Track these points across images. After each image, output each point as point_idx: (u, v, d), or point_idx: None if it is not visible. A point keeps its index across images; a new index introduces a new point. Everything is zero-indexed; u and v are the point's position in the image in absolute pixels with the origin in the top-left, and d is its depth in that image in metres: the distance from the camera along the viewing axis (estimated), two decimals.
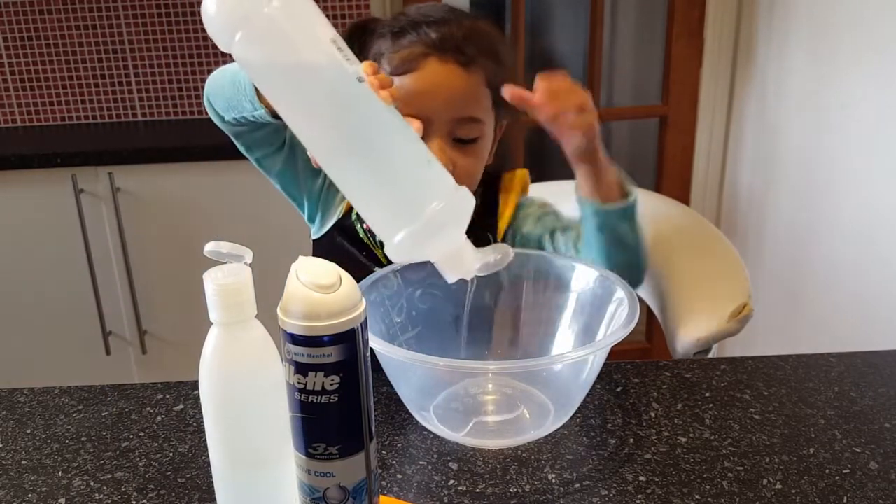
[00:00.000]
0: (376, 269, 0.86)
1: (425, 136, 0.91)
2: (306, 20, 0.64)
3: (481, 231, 1.00)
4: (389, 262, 0.94)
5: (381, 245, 0.96)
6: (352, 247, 0.98)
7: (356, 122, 0.65)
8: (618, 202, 0.88)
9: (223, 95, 0.88)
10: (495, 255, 0.74)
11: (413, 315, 0.86)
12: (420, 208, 0.65)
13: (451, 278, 0.71)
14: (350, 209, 0.99)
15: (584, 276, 0.85)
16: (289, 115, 0.67)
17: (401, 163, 0.67)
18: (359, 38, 0.98)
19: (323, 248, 1.01)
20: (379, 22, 0.98)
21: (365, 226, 0.98)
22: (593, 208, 0.88)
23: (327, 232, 1.00)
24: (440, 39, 0.89)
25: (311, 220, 1.03)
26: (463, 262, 0.69)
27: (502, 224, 1.01)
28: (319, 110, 0.66)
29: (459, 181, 0.95)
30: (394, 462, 0.72)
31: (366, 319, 0.53)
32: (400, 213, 0.67)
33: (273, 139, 0.96)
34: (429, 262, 0.86)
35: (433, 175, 0.68)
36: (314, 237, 1.03)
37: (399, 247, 0.67)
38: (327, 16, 0.65)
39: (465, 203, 0.68)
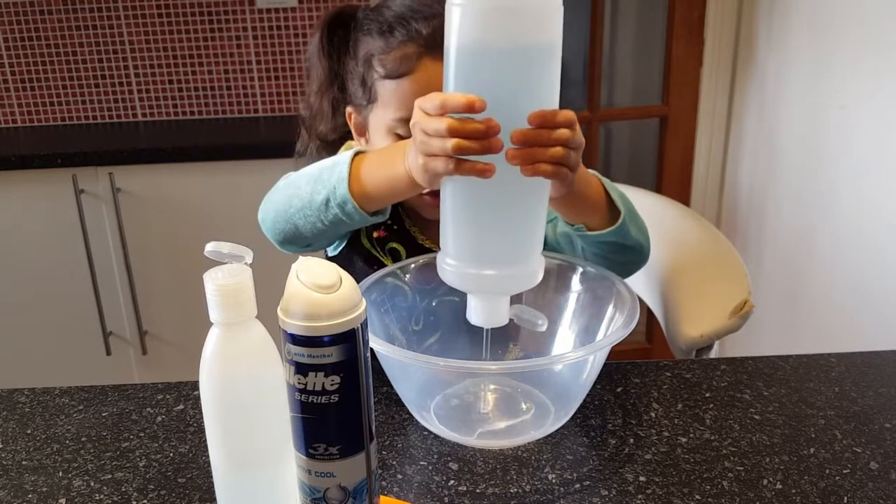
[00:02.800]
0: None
1: None
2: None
3: None
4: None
5: (389, 255, 0.96)
6: (363, 261, 0.97)
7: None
8: (605, 228, 0.81)
9: (299, 216, 0.82)
10: (531, 318, 0.77)
11: (431, 320, 0.87)
12: (501, 260, 0.69)
13: (474, 319, 0.73)
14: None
15: (584, 277, 0.85)
16: (465, 88, 0.64)
17: (524, 207, 0.69)
18: (341, 34, 0.95)
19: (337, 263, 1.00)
20: (358, 12, 0.94)
21: (375, 234, 0.97)
22: (579, 234, 0.83)
23: (341, 249, 0.99)
24: (432, 36, 0.85)
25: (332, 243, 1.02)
26: (496, 314, 0.72)
27: None
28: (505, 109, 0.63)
29: None
30: (394, 462, 0.72)
31: (366, 320, 0.53)
32: (485, 253, 0.69)
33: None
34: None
35: (535, 237, 0.70)
36: (330, 255, 1.01)
37: (459, 276, 0.70)
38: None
39: (535, 277, 0.71)
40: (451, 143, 0.63)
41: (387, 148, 0.76)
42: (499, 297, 0.72)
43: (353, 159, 0.77)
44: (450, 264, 0.70)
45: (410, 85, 0.86)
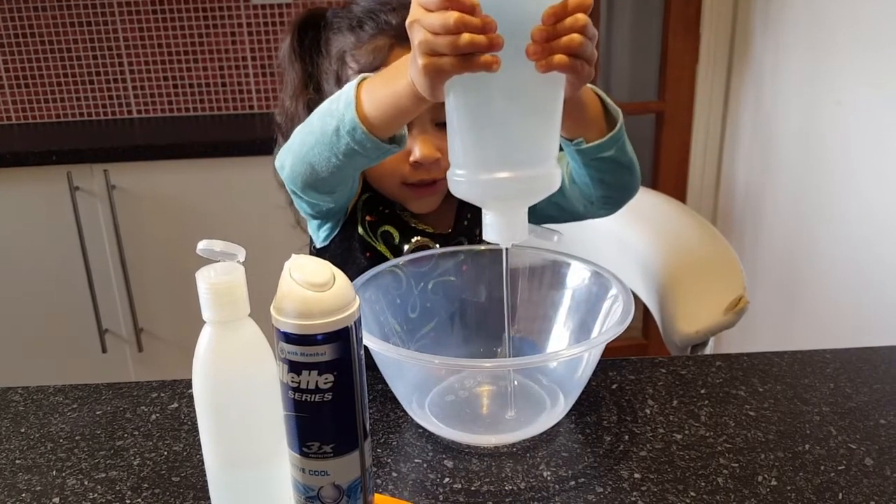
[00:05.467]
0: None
1: (406, 129, 0.90)
2: None
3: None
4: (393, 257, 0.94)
5: (381, 238, 0.96)
6: (357, 249, 0.96)
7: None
8: (604, 136, 0.78)
9: (313, 153, 0.79)
10: (544, 234, 0.72)
11: (427, 307, 0.86)
12: (514, 163, 0.64)
13: (491, 236, 0.68)
14: (352, 212, 0.98)
15: (579, 273, 0.85)
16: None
17: (535, 106, 0.65)
18: (312, 35, 0.95)
19: (329, 255, 0.98)
20: (327, 13, 0.94)
21: (368, 218, 0.96)
22: (576, 148, 0.80)
23: (332, 239, 0.98)
24: (401, 26, 0.82)
25: (325, 224, 0.99)
26: (514, 228, 0.68)
27: None
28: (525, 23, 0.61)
29: (449, 166, 0.94)
30: (389, 460, 0.72)
31: (360, 318, 0.53)
32: (498, 156, 0.64)
33: (354, 176, 0.88)
34: (430, 255, 0.86)
35: (549, 139, 0.66)
36: (320, 245, 1.00)
37: (472, 184, 0.66)
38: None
39: (553, 181, 0.67)
40: (463, 37, 0.60)
41: (391, 66, 0.73)
42: (516, 208, 0.68)
43: (359, 84, 0.74)
44: (460, 174, 0.66)
45: None
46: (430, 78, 0.63)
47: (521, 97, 0.64)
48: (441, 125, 0.88)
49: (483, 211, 0.68)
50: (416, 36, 0.63)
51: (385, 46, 0.87)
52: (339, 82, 0.92)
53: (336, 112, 0.74)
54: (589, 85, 0.77)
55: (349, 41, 0.90)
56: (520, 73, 0.62)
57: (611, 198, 0.87)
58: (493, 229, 0.68)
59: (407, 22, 0.64)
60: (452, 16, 0.59)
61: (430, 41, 0.61)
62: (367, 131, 0.72)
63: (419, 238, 0.96)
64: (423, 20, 0.62)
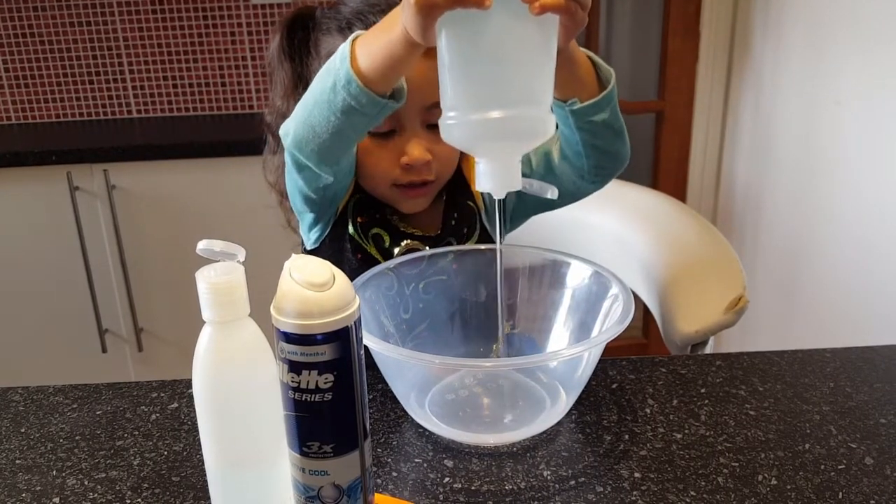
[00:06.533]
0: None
1: (397, 131, 0.89)
2: None
3: (461, 199, 0.99)
4: (384, 260, 0.94)
5: (372, 240, 0.96)
6: (348, 250, 0.96)
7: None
8: (596, 96, 0.78)
9: (314, 114, 0.78)
10: (539, 189, 0.74)
11: (420, 308, 0.86)
12: (507, 102, 0.63)
13: (484, 185, 0.67)
14: (342, 212, 0.98)
15: (579, 273, 0.85)
16: None
17: (528, 46, 0.64)
18: (301, 35, 0.95)
19: (320, 256, 0.98)
20: (316, 12, 0.94)
21: (359, 219, 0.96)
22: (570, 109, 0.79)
23: (323, 240, 0.98)
24: None
25: (316, 225, 0.98)
26: (508, 175, 0.66)
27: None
28: None
29: (441, 168, 0.93)
30: (389, 460, 0.72)
31: (360, 317, 0.53)
32: (489, 96, 0.63)
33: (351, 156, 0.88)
34: (422, 257, 0.86)
35: (542, 81, 0.65)
36: (311, 247, 0.99)
37: (463, 126, 0.65)
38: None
39: (547, 125, 0.66)
40: None
41: (384, 18, 0.73)
42: (509, 153, 0.66)
43: (354, 40, 0.74)
44: (452, 116, 0.65)
45: None
46: (423, 15, 0.63)
47: (514, 38, 0.63)
48: (432, 127, 0.89)
49: (476, 160, 0.68)
50: None
51: None
52: None
53: (333, 69, 0.74)
54: (582, 49, 0.78)
55: (338, 42, 0.89)
56: (513, 13, 0.61)
57: (603, 168, 0.87)
58: (487, 177, 0.66)
59: None
60: None
61: None
62: (363, 85, 0.72)
63: (409, 241, 0.96)
64: None
